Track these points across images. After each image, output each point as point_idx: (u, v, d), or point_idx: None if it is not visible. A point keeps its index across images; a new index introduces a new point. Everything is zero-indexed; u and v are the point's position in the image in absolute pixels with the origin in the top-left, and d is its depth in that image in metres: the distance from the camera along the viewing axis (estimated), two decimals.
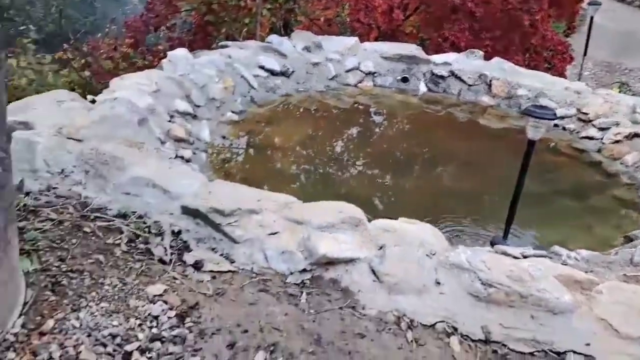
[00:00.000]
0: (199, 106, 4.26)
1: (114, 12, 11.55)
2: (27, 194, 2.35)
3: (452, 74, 5.68)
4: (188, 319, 1.75)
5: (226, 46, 5.16)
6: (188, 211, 2.36)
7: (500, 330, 1.80)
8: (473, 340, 1.79)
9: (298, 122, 4.82)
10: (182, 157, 3.50)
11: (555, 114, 2.80)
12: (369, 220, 2.35)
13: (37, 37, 9.45)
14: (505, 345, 1.77)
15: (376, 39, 6.57)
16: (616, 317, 1.84)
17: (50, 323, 1.61)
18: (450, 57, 5.89)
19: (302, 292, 2.00)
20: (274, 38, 5.44)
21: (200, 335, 1.68)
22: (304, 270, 2.10)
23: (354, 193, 3.70)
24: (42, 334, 1.57)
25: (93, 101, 3.51)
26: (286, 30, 6.39)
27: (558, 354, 1.74)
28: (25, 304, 1.66)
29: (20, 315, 1.61)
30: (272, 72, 5.09)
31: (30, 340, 1.54)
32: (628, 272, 2.14)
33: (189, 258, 2.13)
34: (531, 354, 1.74)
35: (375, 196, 3.80)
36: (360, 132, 4.95)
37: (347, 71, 5.57)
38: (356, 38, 5.91)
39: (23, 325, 1.58)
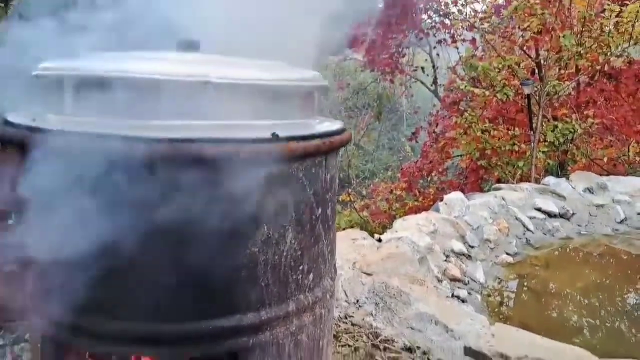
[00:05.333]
0: (472, 247, 4.34)
1: (389, 160, 13.01)
2: None
3: None
4: None
5: (499, 189, 5.25)
6: (471, 352, 2.36)
7: None
8: None
9: (580, 268, 4.43)
10: (457, 297, 3.56)
11: None
12: None
13: None
14: None
15: None
16: None
17: None
18: None
19: None
20: (550, 179, 5.32)
21: None
22: None
23: None
24: None
25: (379, 240, 3.95)
26: (562, 171, 6.18)
27: None
28: None
29: None
30: (549, 214, 4.92)
31: None
32: None
33: None
34: None
35: None
36: None
37: None
38: None
39: None
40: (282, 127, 1.37)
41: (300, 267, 1.56)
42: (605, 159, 6.18)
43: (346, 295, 2.90)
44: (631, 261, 4.54)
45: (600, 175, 5.63)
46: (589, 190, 5.21)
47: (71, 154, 1.17)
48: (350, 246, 3.65)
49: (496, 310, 3.65)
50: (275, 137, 1.32)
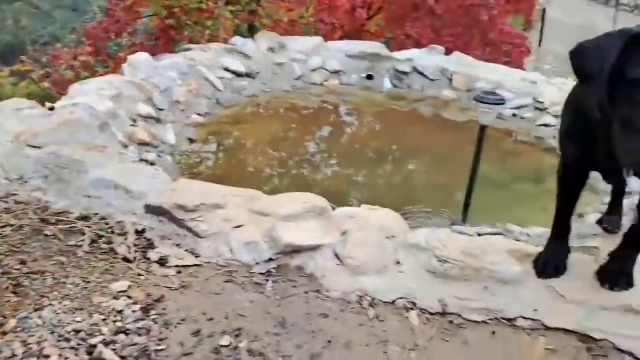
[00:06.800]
0: (162, 109, 4.24)
1: (74, 22, 11.37)
2: None
3: (415, 69, 5.77)
4: (152, 312, 1.77)
5: (189, 49, 5.16)
6: (151, 209, 2.37)
7: (455, 302, 1.88)
8: (431, 314, 1.86)
9: (265, 122, 4.85)
10: (146, 161, 3.49)
11: (502, 99, 2.94)
12: (333, 209, 2.40)
13: None
14: (460, 315, 1.85)
15: (340, 39, 6.64)
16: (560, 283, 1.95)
17: (12, 322, 1.61)
18: (413, 53, 5.99)
19: (267, 280, 2.04)
20: (237, 40, 5.45)
21: (165, 326, 1.70)
22: (270, 260, 2.14)
23: (324, 188, 3.74)
24: (4, 333, 1.57)
25: (52, 108, 3.47)
26: (251, 32, 6.41)
27: (509, 320, 1.85)
28: None
29: None
30: (237, 74, 5.10)
31: None
32: (575, 243, 2.25)
33: (153, 255, 2.15)
34: (484, 322, 1.83)
35: (345, 190, 3.86)
36: (328, 129, 5.01)
37: (313, 70, 5.60)
38: (320, 38, 5.97)
39: None
40: None
41: None
42: (286, 20, 6.63)
43: (5, 172, 2.51)
44: (307, 114, 5.18)
45: (282, 35, 6.04)
46: (272, 49, 5.55)
47: None
48: (12, 117, 3.11)
49: (186, 169, 3.75)
50: None
